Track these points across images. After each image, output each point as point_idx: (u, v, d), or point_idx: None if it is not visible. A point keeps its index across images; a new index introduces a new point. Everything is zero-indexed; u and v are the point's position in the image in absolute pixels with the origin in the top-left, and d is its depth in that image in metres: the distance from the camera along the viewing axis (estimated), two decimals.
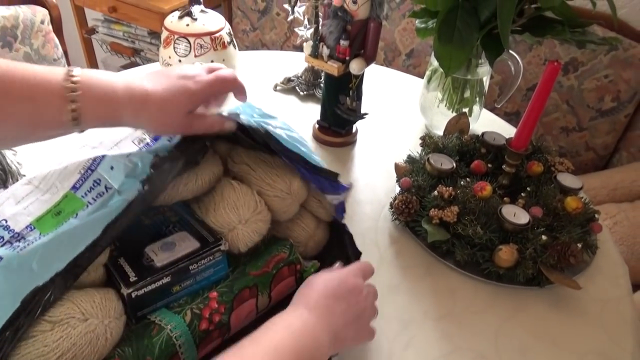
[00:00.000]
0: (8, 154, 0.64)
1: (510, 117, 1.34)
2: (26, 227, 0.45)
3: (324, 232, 0.61)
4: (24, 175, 0.65)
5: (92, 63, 1.95)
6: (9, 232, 0.45)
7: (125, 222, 0.44)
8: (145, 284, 0.45)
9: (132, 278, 0.45)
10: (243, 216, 0.51)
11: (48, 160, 0.52)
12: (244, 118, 0.52)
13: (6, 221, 0.46)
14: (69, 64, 1.28)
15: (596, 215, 0.68)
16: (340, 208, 0.58)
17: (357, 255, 0.58)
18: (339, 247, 0.60)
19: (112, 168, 0.47)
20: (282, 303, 0.56)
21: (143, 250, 0.49)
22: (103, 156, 0.48)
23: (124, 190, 0.45)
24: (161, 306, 0.48)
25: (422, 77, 0.90)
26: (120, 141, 0.52)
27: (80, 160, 0.49)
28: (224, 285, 0.51)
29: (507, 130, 0.85)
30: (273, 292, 0.54)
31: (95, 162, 0.48)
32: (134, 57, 1.80)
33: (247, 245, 0.52)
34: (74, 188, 0.47)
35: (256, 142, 0.53)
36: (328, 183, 0.55)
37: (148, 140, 0.51)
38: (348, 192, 0.57)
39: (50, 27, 1.19)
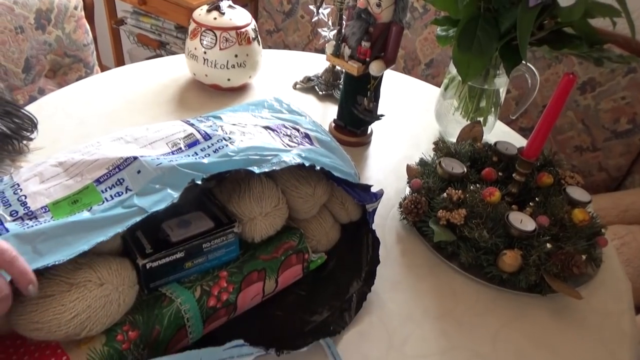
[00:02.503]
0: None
1: (524, 132, 1.35)
2: (41, 208, 0.47)
3: (337, 231, 0.63)
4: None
5: (118, 53, 2.00)
6: (24, 209, 0.47)
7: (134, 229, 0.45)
8: (160, 256, 0.47)
9: (148, 250, 0.47)
10: (264, 209, 0.53)
11: (80, 145, 0.54)
12: (294, 161, 0.52)
13: (25, 197, 0.48)
14: (97, 51, 1.32)
15: (602, 230, 0.68)
16: (373, 215, 0.60)
17: (374, 261, 0.59)
18: (349, 249, 0.62)
19: (139, 172, 0.48)
20: (287, 290, 0.58)
21: (160, 225, 0.50)
22: (135, 158, 0.49)
23: (142, 195, 0.47)
24: (173, 280, 0.49)
25: (440, 86, 0.92)
26: (155, 142, 0.53)
27: (112, 157, 0.50)
28: (234, 265, 0.52)
29: (520, 143, 0.86)
30: (280, 277, 0.55)
31: (126, 163, 0.49)
32: (159, 49, 1.85)
33: (261, 237, 0.54)
34: (97, 181, 0.49)
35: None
36: (365, 194, 0.57)
37: (182, 145, 0.53)
38: (380, 198, 0.59)
39: (83, 13, 1.23)
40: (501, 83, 0.83)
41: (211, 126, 0.57)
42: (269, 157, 0.51)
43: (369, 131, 0.89)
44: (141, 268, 0.46)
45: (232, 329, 0.54)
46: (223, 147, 0.52)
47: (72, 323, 0.41)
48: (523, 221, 0.64)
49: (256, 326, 0.55)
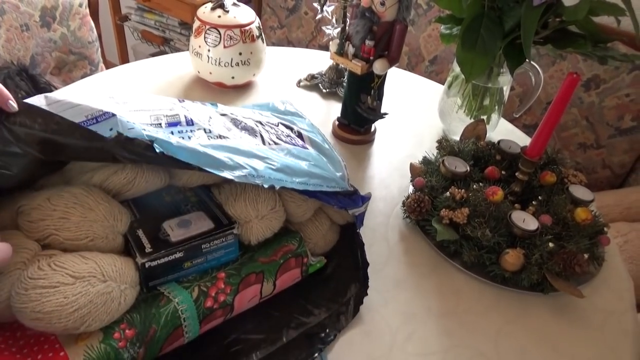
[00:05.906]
0: None
1: (528, 129, 1.34)
2: None
3: (335, 233, 0.63)
4: None
5: (123, 49, 2.00)
6: None
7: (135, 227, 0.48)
8: (160, 256, 0.47)
9: (148, 249, 0.47)
10: (260, 212, 0.53)
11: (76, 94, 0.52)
12: (239, 175, 0.49)
13: None
14: (102, 48, 1.33)
15: (605, 229, 0.68)
16: (361, 218, 0.60)
17: (365, 265, 0.59)
18: (349, 251, 0.62)
19: (110, 129, 0.47)
20: (284, 290, 0.58)
21: (160, 224, 0.51)
22: (113, 114, 0.47)
23: None
24: (171, 280, 0.50)
25: (443, 83, 0.92)
26: (141, 110, 0.52)
27: (94, 107, 0.47)
28: (232, 267, 0.53)
29: (524, 141, 0.86)
30: (278, 280, 0.56)
31: (103, 116, 0.47)
32: (163, 46, 1.85)
33: (257, 239, 0.54)
34: None
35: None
36: (348, 199, 0.56)
37: (162, 122, 0.52)
38: (368, 202, 0.58)
39: (87, 10, 1.23)
40: (505, 81, 0.83)
41: (200, 110, 0.56)
42: (231, 164, 0.49)
43: (372, 129, 0.89)
44: (140, 267, 0.46)
45: (227, 329, 0.54)
46: (199, 137, 0.51)
47: (73, 317, 0.41)
48: (526, 220, 0.64)
49: (251, 326, 0.55)
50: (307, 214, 0.58)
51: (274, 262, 0.55)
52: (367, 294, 0.59)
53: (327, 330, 0.56)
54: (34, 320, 0.41)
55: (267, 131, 0.59)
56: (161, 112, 0.53)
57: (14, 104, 0.41)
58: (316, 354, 0.53)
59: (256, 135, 0.57)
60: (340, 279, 0.61)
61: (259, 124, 0.60)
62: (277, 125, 0.62)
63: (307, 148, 0.60)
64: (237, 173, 0.48)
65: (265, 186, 0.49)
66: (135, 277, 0.46)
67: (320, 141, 0.63)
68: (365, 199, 0.58)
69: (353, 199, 0.57)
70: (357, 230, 0.59)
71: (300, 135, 0.62)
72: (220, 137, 0.53)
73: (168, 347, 0.48)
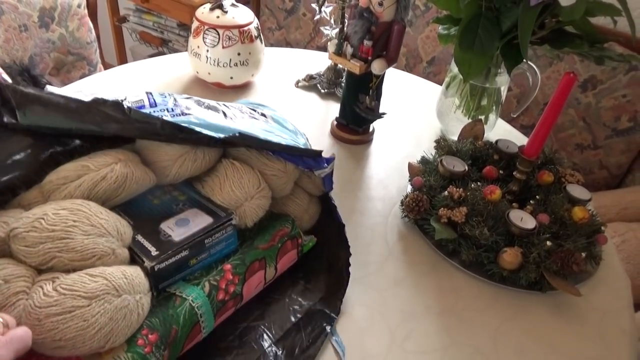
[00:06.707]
0: None
1: (526, 129, 1.35)
2: None
3: (316, 206, 0.65)
4: None
5: (121, 50, 2.00)
6: None
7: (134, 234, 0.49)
8: (167, 257, 0.48)
9: (154, 252, 0.47)
10: (249, 193, 0.54)
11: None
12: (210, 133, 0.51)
13: None
14: (100, 49, 1.33)
15: (602, 228, 0.69)
16: (329, 180, 0.61)
17: (341, 225, 0.61)
18: (330, 220, 0.64)
19: None
20: (284, 276, 0.60)
21: (158, 227, 0.51)
22: None
23: None
24: (179, 279, 0.50)
25: (441, 84, 0.92)
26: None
27: None
28: (236, 258, 0.54)
29: (521, 141, 0.86)
30: (278, 264, 0.57)
31: None
32: (161, 47, 1.85)
33: (253, 220, 0.56)
34: None
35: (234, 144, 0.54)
36: (312, 160, 0.58)
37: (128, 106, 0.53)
38: (333, 162, 0.59)
39: (86, 11, 1.24)
40: (502, 81, 0.83)
41: (165, 96, 0.58)
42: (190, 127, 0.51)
43: (371, 129, 0.89)
44: (150, 271, 0.47)
45: (237, 319, 0.55)
46: (162, 116, 0.53)
47: (96, 337, 0.40)
48: (523, 219, 0.65)
49: (259, 313, 0.57)
50: (287, 186, 0.59)
51: (273, 247, 0.56)
52: (350, 254, 0.60)
53: (330, 305, 0.57)
54: (56, 349, 0.39)
55: (229, 109, 0.60)
56: (127, 99, 0.54)
57: (6, 76, 0.45)
58: (328, 327, 0.55)
59: (218, 112, 0.59)
60: (330, 251, 0.63)
61: (221, 105, 0.61)
62: (241, 108, 0.64)
63: (270, 122, 0.62)
64: (203, 129, 0.50)
65: (229, 135, 0.51)
66: (146, 284, 0.45)
67: (283, 121, 0.65)
68: (330, 160, 0.59)
69: (317, 160, 0.58)
70: (328, 194, 0.61)
71: (264, 115, 0.64)
72: (182, 114, 0.54)
73: (189, 344, 0.49)
